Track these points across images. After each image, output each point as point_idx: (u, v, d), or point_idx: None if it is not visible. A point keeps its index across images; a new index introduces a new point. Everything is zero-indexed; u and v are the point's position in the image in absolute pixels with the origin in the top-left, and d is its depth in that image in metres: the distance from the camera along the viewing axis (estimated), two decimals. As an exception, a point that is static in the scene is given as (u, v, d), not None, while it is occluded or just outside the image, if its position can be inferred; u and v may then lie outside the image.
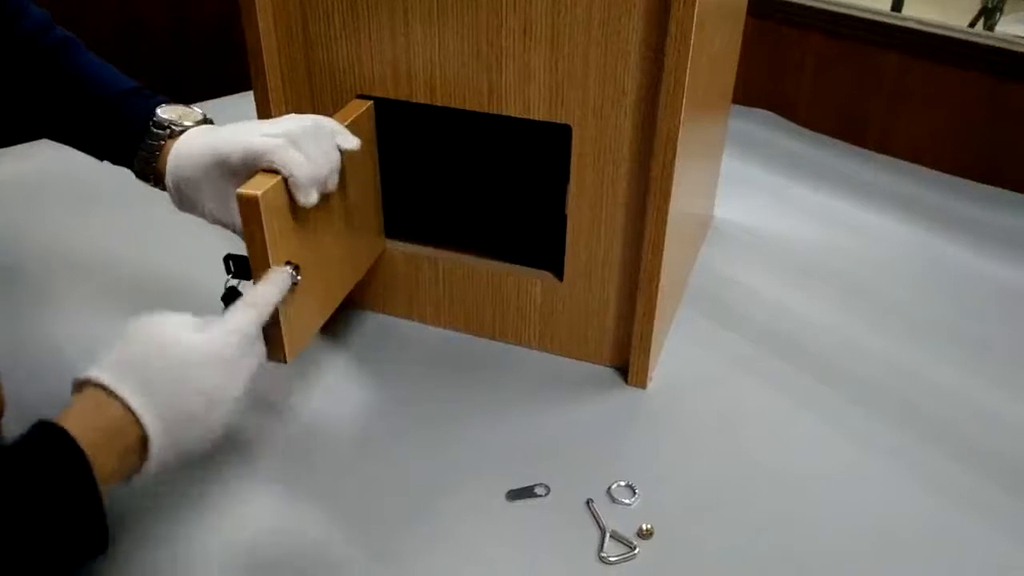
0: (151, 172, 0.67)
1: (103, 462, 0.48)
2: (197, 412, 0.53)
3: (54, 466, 0.46)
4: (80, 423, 0.48)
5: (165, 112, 0.67)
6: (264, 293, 0.59)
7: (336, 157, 0.67)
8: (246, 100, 0.82)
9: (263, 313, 0.59)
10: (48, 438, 0.47)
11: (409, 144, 0.91)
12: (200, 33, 1.98)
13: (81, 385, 0.52)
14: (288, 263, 0.63)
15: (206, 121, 0.68)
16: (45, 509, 0.45)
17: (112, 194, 1.04)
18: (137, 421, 0.50)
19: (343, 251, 0.75)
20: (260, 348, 0.59)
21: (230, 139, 0.63)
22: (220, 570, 0.60)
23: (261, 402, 0.76)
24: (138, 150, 0.66)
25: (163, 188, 0.68)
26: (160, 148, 0.66)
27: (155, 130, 0.66)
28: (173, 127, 0.66)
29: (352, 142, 0.68)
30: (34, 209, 1.07)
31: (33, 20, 0.67)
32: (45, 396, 0.74)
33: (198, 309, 0.87)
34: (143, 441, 0.51)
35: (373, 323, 0.88)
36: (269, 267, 0.61)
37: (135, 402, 0.50)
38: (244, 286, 0.66)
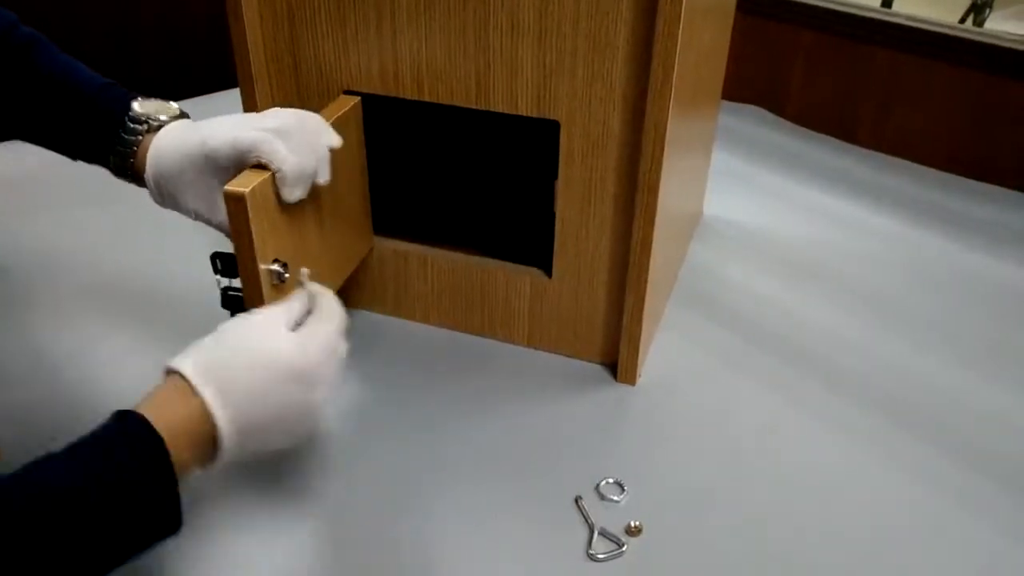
0: (129, 168, 0.66)
1: (179, 450, 0.50)
2: (272, 425, 0.55)
3: (135, 449, 0.49)
4: (162, 411, 0.51)
5: (141, 106, 0.65)
6: (333, 304, 0.61)
7: (323, 152, 0.66)
8: (234, 96, 0.81)
9: (341, 325, 0.60)
10: (131, 423, 0.50)
11: (397, 140, 0.91)
12: (191, 29, 1.97)
13: (170, 372, 0.53)
14: (276, 261, 0.63)
15: (183, 116, 0.67)
16: (126, 491, 0.47)
17: (93, 192, 1.03)
18: (214, 423, 0.52)
19: (331, 248, 0.74)
20: (342, 359, 0.60)
21: (216, 133, 0.62)
22: (206, 570, 0.60)
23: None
24: (115, 145, 0.65)
25: (141, 184, 0.66)
26: (138, 143, 0.65)
27: (132, 124, 0.65)
28: (151, 121, 0.65)
29: (335, 140, 0.68)
30: (17, 207, 1.06)
31: (0, 17, 0.66)
32: (34, 397, 0.74)
33: (182, 306, 0.87)
34: (216, 440, 0.52)
35: (361, 321, 0.88)
36: (257, 265, 0.60)
37: (215, 404, 0.52)
38: (237, 283, 0.65)
